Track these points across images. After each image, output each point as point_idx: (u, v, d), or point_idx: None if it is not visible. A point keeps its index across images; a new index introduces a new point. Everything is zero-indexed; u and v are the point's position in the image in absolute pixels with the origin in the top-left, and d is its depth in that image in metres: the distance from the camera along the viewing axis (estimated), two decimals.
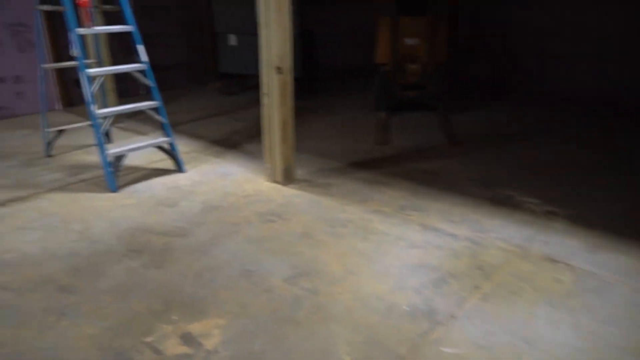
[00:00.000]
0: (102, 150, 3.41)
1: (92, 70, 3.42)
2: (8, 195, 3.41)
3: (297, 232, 2.84)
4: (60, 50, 5.97)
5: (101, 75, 3.50)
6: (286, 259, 2.56)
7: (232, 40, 6.31)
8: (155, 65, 7.08)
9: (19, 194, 3.44)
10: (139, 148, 3.65)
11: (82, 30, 3.40)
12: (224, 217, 3.05)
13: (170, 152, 3.81)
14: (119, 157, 3.53)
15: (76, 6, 3.43)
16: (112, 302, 2.21)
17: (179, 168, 3.82)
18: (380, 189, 3.47)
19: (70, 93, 6.12)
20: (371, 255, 2.60)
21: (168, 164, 3.92)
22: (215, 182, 3.61)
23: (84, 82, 3.38)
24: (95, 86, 3.44)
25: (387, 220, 3.00)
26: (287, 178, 3.56)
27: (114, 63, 5.00)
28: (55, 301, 2.23)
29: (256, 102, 6.28)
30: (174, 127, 5.05)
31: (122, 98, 5.63)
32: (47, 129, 4.22)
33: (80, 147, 4.50)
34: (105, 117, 3.61)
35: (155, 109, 3.73)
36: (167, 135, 3.78)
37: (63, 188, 3.54)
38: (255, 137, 4.67)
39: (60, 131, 4.36)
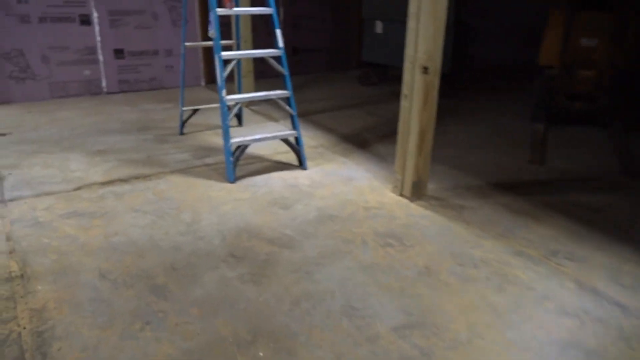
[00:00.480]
0: (227, 139, 3.26)
1: (225, 54, 3.27)
2: (134, 172, 3.44)
3: (418, 266, 2.40)
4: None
5: (235, 59, 3.33)
6: (400, 299, 2.15)
7: (379, 27, 5.90)
8: (297, 47, 7.02)
9: (144, 172, 3.45)
10: (263, 139, 3.46)
11: (220, 11, 3.26)
12: (339, 230, 2.71)
13: (295, 147, 3.56)
14: (242, 147, 3.37)
15: None
16: (200, 318, 2.00)
17: (301, 164, 3.56)
18: (527, 222, 2.86)
19: (214, 70, 6.23)
20: (506, 316, 2.07)
21: (291, 157, 3.69)
22: (337, 186, 3.29)
23: (217, 65, 3.24)
24: (227, 70, 3.29)
25: (533, 267, 2.42)
26: (417, 193, 3.11)
27: (257, 45, 4.90)
28: (145, 304, 2.08)
29: (395, 96, 5.86)
30: (305, 115, 4.83)
31: (261, 80, 5.57)
32: (183, 108, 4.24)
33: (213, 127, 4.48)
34: (235, 103, 3.46)
35: (286, 99, 3.50)
36: (294, 127, 3.53)
37: (185, 171, 3.48)
38: (388, 137, 4.26)
39: (195, 110, 4.36)
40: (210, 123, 4.60)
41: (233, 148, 3.29)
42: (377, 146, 4.10)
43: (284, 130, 3.82)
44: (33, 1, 5.00)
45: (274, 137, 3.49)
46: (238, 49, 4.26)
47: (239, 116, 4.52)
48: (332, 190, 3.22)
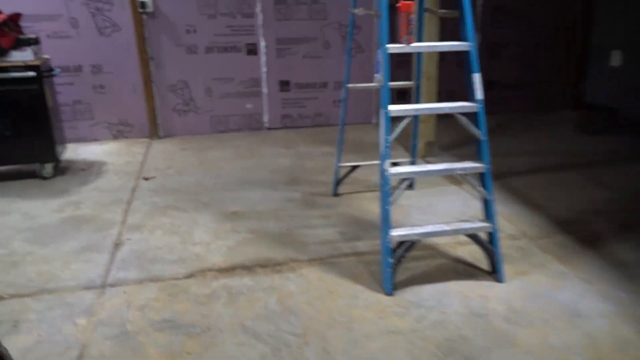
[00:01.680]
0: (385, 231, 2.25)
1: (394, 109, 2.27)
2: (263, 254, 2.62)
3: None
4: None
5: (408, 116, 2.31)
6: None
7: (616, 59, 4.34)
8: (493, 80, 5.72)
9: (276, 256, 2.61)
10: (440, 233, 2.36)
11: (393, 48, 2.26)
12: None
13: (487, 246, 2.39)
14: (407, 245, 2.32)
15: (397, 10, 2.31)
16: None
17: (495, 272, 2.37)
18: None
19: None
20: None
21: (477, 255, 2.53)
22: (552, 326, 2.04)
23: (381, 123, 2.26)
24: (397, 131, 2.31)
25: None
26: None
27: (444, 85, 3.82)
28: None
29: (637, 154, 4.22)
30: (499, 177, 3.57)
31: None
32: (338, 164, 3.35)
33: (376, 186, 3.52)
34: (402, 178, 2.42)
35: (480, 176, 2.36)
36: (488, 217, 2.37)
37: (327, 262, 2.55)
38: (634, 228, 2.81)
39: (354, 167, 3.44)
40: (372, 180, 3.64)
41: (393, 244, 2.27)
42: (615, 245, 2.68)
43: (470, 222, 2.67)
44: (201, 30, 4.64)
45: (455, 232, 2.36)
46: (417, 94, 3.23)
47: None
48: (544, 336, 1.97)
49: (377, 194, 3.40)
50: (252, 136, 4.89)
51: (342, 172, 3.41)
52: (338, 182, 3.39)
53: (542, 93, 5.56)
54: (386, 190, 2.25)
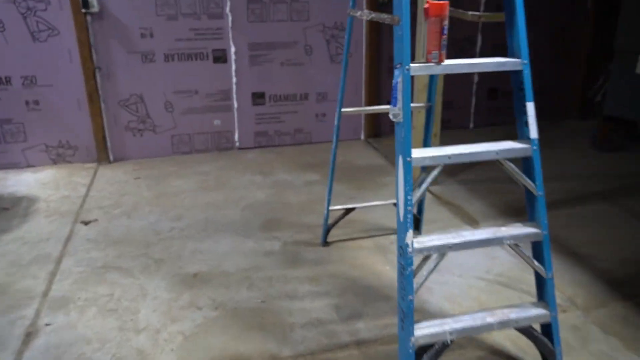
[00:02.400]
0: (407, 331, 1.56)
1: (421, 155, 1.58)
2: (231, 349, 1.90)
3: None
4: (380, 71, 4.48)
5: (439, 167, 1.63)
6: None
7: None
8: (495, 88, 5.09)
9: (245, 352, 1.89)
10: (481, 329, 1.68)
11: (417, 69, 1.56)
12: None
13: (542, 342, 1.72)
14: (438, 348, 1.62)
15: (424, 14, 1.61)
16: None
17: None
18: None
19: (380, 120, 4.62)
20: None
21: (519, 341, 1.86)
22: None
23: (399, 175, 1.57)
24: (424, 188, 1.63)
25: None
26: None
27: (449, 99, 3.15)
28: None
29: None
30: (512, 212, 2.91)
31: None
32: (329, 207, 2.65)
33: (374, 229, 2.84)
34: (425, 255, 1.72)
35: (538, 246, 1.69)
36: (548, 303, 1.70)
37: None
38: None
39: (349, 210, 2.74)
40: (369, 221, 2.95)
41: (418, 344, 1.58)
42: None
43: (521, 310, 2.02)
44: (159, 34, 3.88)
45: (503, 325, 1.68)
46: (429, 120, 2.54)
47: (417, 211, 2.80)
48: None
49: (376, 242, 2.71)
50: (222, 158, 4.15)
51: (334, 215, 2.71)
52: (328, 230, 2.69)
53: (552, 101, 4.95)
54: (408, 274, 1.55)
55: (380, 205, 2.78)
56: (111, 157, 4.05)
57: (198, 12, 3.91)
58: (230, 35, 4.03)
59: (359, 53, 4.37)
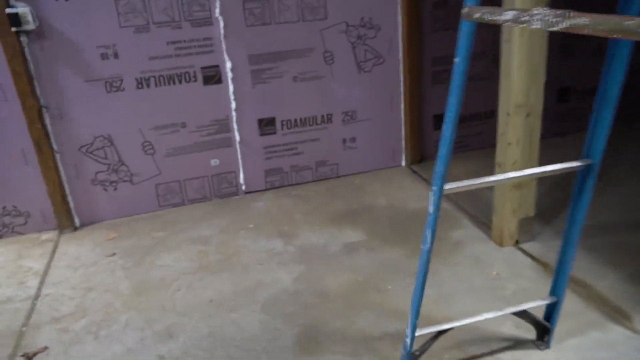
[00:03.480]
0: None
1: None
2: None
3: None
4: (423, 79, 3.46)
5: None
6: None
7: None
8: (567, 87, 3.96)
9: None
10: None
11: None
12: None
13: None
14: None
15: None
16: None
17: None
18: None
19: (425, 140, 3.58)
20: None
21: None
22: None
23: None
24: None
25: None
26: None
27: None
28: None
29: None
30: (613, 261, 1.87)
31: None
32: (414, 332, 1.63)
33: (477, 338, 1.82)
34: None
35: None
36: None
37: None
38: None
39: (440, 333, 1.72)
40: (465, 338, 1.93)
41: None
42: None
43: None
44: (127, 53, 2.83)
45: None
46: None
47: (547, 314, 1.77)
48: None
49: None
50: (224, 211, 3.12)
51: (419, 341, 1.69)
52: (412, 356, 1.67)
53: (631, 101, 3.91)
54: None
55: (492, 317, 1.75)
56: (77, 222, 3.02)
57: (177, 18, 2.86)
58: (224, 46, 2.98)
59: (393, 56, 3.32)
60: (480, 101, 3.60)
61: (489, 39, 3.43)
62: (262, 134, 3.23)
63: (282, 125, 3.25)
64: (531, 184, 2.40)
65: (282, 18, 3.02)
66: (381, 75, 3.32)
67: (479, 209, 2.82)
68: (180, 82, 2.97)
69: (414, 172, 3.47)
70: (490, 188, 2.76)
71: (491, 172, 2.34)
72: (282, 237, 2.74)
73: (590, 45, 3.69)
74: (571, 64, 3.71)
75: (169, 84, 2.95)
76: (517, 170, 2.16)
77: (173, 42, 2.89)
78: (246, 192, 3.32)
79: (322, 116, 3.31)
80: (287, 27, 3.05)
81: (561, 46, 3.64)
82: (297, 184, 3.41)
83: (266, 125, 3.22)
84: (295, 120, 3.26)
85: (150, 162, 3.07)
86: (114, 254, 2.69)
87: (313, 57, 3.15)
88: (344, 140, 3.41)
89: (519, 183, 2.37)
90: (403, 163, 3.58)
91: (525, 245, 2.45)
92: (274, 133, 3.25)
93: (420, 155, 3.58)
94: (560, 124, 3.85)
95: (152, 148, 3.04)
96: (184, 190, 3.18)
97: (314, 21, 3.08)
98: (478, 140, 3.72)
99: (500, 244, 2.47)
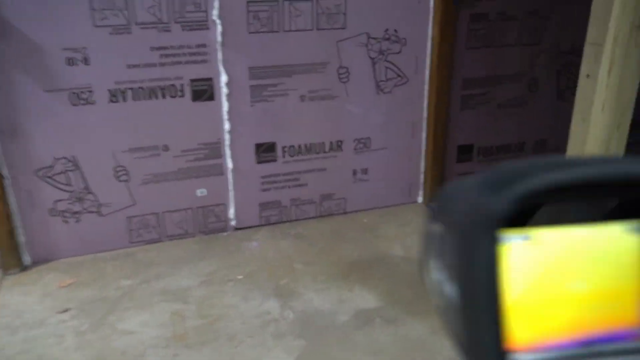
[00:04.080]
0: None
1: None
2: None
3: None
4: (451, 101, 2.98)
5: None
6: None
7: None
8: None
9: None
10: None
11: None
12: None
13: None
14: None
15: None
16: None
17: None
18: None
19: (446, 173, 3.10)
20: None
21: None
22: None
23: None
24: None
25: None
26: None
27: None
28: None
29: None
30: None
31: None
32: None
33: None
34: None
35: None
36: None
37: None
38: None
39: None
40: None
41: None
42: None
43: None
44: (99, 59, 2.29)
45: None
46: None
47: None
48: None
49: None
50: (209, 253, 2.60)
51: None
52: None
53: None
54: None
55: None
56: (27, 260, 2.48)
57: (166, 19, 2.33)
58: (220, 55, 2.46)
59: (419, 76, 2.82)
60: (512, 131, 3.12)
61: (526, 58, 2.95)
62: (259, 161, 2.71)
63: (284, 151, 2.73)
64: None
65: (294, 25, 2.50)
66: (403, 98, 2.82)
67: None
68: (164, 96, 2.44)
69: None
70: None
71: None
72: (279, 296, 2.23)
73: None
74: None
75: (151, 98, 2.42)
76: None
77: (158, 48, 2.37)
78: (236, 229, 2.80)
79: (332, 143, 2.80)
80: (298, 36, 2.53)
81: None
82: (297, 219, 2.89)
83: (265, 151, 2.70)
84: (300, 146, 2.75)
85: (123, 191, 2.53)
86: (67, 309, 2.16)
87: (326, 73, 2.64)
88: (355, 172, 2.90)
89: None
90: (420, 199, 3.09)
91: None
92: (274, 160, 2.73)
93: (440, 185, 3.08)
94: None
95: (126, 174, 2.51)
96: (162, 224, 2.66)
97: (331, 30, 2.57)
98: None
99: None
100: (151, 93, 2.41)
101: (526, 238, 0.28)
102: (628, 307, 0.28)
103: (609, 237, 0.28)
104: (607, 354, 0.28)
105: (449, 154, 3.06)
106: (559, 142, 3.31)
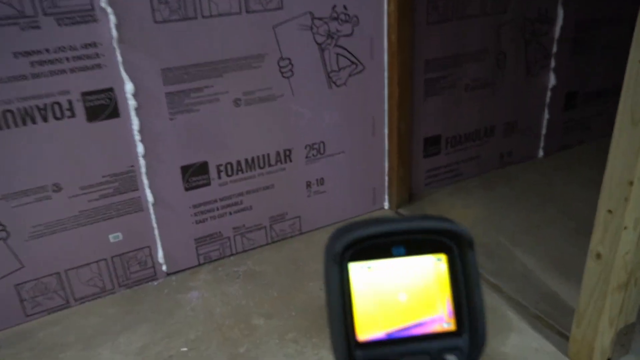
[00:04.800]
0: None
1: None
2: None
3: None
4: (414, 90, 2.52)
5: None
6: None
7: None
8: (575, 92, 2.87)
9: None
10: None
11: None
12: None
13: None
14: None
15: None
16: None
17: None
18: None
19: (414, 171, 2.65)
20: None
21: None
22: None
23: None
24: None
25: None
26: None
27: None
28: None
29: None
30: None
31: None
32: None
33: None
34: None
35: None
36: None
37: None
38: None
39: None
40: None
41: None
42: None
43: None
44: None
45: None
46: None
47: None
48: None
49: None
50: (136, 316, 1.98)
51: None
52: None
53: None
54: None
55: None
56: None
57: (30, 11, 1.63)
58: (119, 56, 1.80)
59: (376, 61, 2.31)
60: (480, 116, 2.72)
61: (491, 30, 2.54)
62: (188, 188, 2.10)
63: (219, 171, 2.14)
64: (632, 283, 1.54)
65: (214, 8, 1.88)
66: (359, 89, 2.31)
67: (529, 296, 1.95)
68: (45, 119, 1.75)
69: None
70: (548, 268, 1.91)
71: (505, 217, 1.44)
72: None
73: (603, 37, 2.91)
74: (579, 63, 2.92)
75: (26, 124, 1.73)
76: (627, 264, 1.30)
77: (26, 54, 1.67)
78: (168, 274, 2.20)
79: (278, 153, 2.24)
80: (223, 23, 1.92)
81: (568, 39, 2.83)
82: (245, 251, 2.33)
83: (195, 174, 2.10)
84: (239, 162, 2.17)
85: (4, 252, 1.84)
86: None
87: (264, 67, 2.06)
88: (309, 184, 2.37)
89: (626, 282, 1.50)
90: (386, 205, 2.63)
91: None
92: (207, 184, 2.14)
93: (409, 191, 2.64)
94: (564, 137, 3.09)
95: (3, 229, 1.81)
96: (67, 285, 1.99)
97: (264, 12, 1.98)
98: (472, 167, 2.86)
99: None
100: (25, 116, 1.72)
101: (369, 267, 0.43)
102: (436, 307, 0.45)
103: (422, 264, 0.45)
104: (423, 339, 0.44)
105: (416, 150, 2.61)
106: (529, 122, 2.97)
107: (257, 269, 2.22)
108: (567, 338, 1.72)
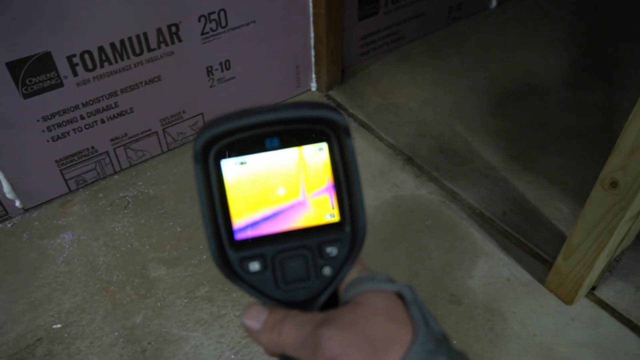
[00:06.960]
0: None
1: None
2: None
3: None
4: None
5: None
6: None
7: None
8: None
9: None
10: None
11: None
12: None
13: None
14: None
15: None
16: None
17: None
18: None
19: (346, 40, 2.07)
20: None
21: None
22: None
23: None
24: None
25: None
26: None
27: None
28: None
29: None
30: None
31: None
32: None
33: None
34: None
35: None
36: None
37: None
38: None
39: None
40: None
41: None
42: None
43: None
44: None
45: None
46: None
47: None
48: None
49: None
50: None
51: None
52: None
53: None
54: None
55: None
56: None
57: None
58: None
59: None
60: None
61: None
62: (28, 94, 1.42)
63: (73, 65, 1.45)
64: None
65: None
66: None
67: (494, 204, 1.60)
68: None
69: (339, 104, 2.01)
70: (512, 162, 1.54)
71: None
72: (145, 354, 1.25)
73: None
74: None
75: None
76: None
77: None
78: (26, 209, 1.61)
79: (160, 31, 1.56)
80: None
81: None
82: (133, 165, 1.76)
83: (33, 72, 1.40)
84: (102, 50, 1.48)
85: None
86: None
87: None
88: (210, 70, 1.74)
89: (638, 212, 1.15)
90: (314, 86, 2.07)
91: (606, 294, 1.35)
92: (58, 85, 1.46)
93: (341, 67, 2.08)
94: None
95: None
96: None
97: None
98: (416, 27, 2.31)
99: (570, 299, 1.33)
100: None
101: (242, 162, 0.38)
102: (318, 199, 0.39)
103: (300, 156, 0.38)
104: (303, 233, 0.39)
105: (348, 11, 1.99)
106: None
107: (151, 192, 1.68)
108: (542, 260, 1.42)
